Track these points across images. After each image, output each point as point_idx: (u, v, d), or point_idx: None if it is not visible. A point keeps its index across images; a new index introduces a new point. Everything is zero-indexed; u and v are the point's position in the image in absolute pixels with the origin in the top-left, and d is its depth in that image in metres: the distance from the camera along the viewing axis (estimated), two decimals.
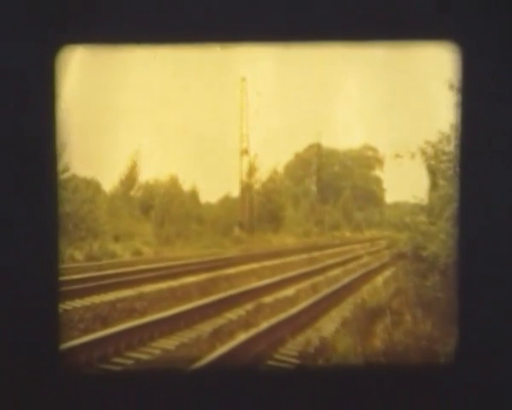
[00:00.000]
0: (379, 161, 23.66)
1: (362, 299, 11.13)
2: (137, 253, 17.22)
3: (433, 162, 10.33)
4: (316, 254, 18.23)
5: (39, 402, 3.82)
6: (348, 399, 3.90)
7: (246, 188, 21.00)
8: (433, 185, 10.44)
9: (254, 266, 15.63)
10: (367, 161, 24.06)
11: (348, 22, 3.70)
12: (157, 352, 8.06)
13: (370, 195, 23.88)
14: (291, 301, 11.28)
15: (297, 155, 23.42)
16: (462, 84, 3.70)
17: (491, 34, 3.66)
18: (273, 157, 21.03)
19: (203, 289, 12.01)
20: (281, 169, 22.56)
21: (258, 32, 3.73)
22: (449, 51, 3.66)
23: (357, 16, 3.68)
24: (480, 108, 3.71)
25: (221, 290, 11.69)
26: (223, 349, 7.55)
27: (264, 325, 8.91)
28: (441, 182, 9.92)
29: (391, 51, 4.06)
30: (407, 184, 12.61)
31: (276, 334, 8.64)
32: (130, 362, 7.58)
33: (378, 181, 24.10)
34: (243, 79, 19.50)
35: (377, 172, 24.03)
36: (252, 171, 21.01)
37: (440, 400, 3.87)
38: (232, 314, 10.16)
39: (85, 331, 8.35)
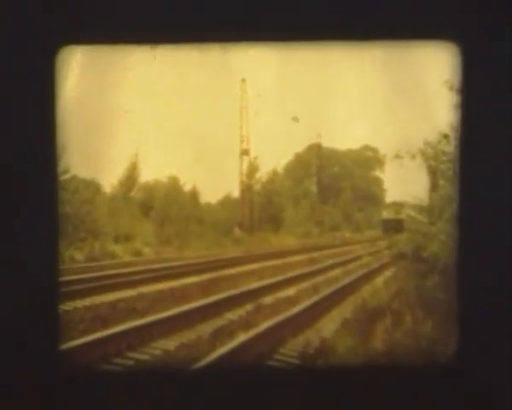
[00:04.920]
0: (379, 162, 23.69)
1: (362, 299, 11.11)
2: (138, 253, 17.23)
3: (433, 163, 10.32)
4: (316, 254, 18.23)
5: (39, 402, 3.82)
6: (349, 399, 3.91)
7: (246, 189, 21.00)
8: (434, 186, 10.44)
9: (254, 266, 15.62)
10: (367, 161, 24.08)
11: (348, 22, 3.71)
12: (157, 352, 8.05)
13: (370, 195, 23.89)
14: (291, 301, 11.28)
15: (297, 156, 23.43)
16: (461, 85, 3.71)
17: (490, 34, 3.66)
18: (273, 158, 21.05)
19: (203, 289, 12.01)
20: (281, 170, 22.60)
21: (258, 33, 3.73)
22: (449, 51, 3.67)
23: (356, 16, 3.69)
24: (480, 109, 3.71)
25: (221, 291, 11.68)
26: (223, 350, 7.55)
27: (265, 325, 8.89)
28: (441, 182, 9.92)
29: (391, 51, 4.06)
30: (407, 184, 12.62)
31: (277, 334, 8.63)
32: (130, 362, 7.57)
33: (378, 182, 24.11)
34: (243, 80, 19.52)
35: (377, 173, 24.06)
36: (252, 172, 21.01)
37: (440, 400, 3.87)
38: (232, 315, 10.15)
39: (86, 332, 8.34)
